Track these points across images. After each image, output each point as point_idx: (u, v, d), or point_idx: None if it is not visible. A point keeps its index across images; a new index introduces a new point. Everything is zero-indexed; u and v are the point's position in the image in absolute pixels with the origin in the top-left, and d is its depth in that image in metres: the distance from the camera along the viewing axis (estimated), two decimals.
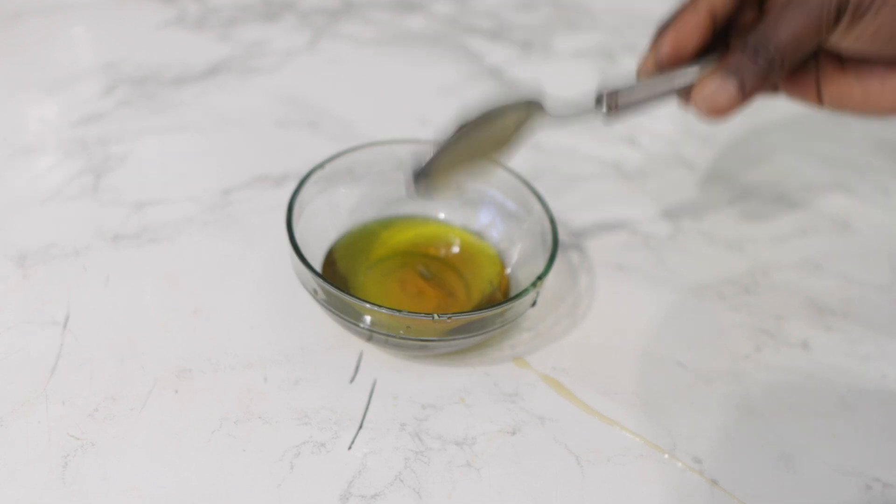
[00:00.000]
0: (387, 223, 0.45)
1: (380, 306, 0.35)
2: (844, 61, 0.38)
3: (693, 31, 0.37)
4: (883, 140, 0.58)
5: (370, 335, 0.37)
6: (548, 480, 0.35)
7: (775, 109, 0.50)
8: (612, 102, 0.37)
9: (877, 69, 0.36)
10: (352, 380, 0.38)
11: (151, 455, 0.34)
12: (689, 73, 0.38)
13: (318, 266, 0.41)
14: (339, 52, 0.63)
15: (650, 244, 0.48)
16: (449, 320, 0.35)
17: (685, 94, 0.38)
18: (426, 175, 0.35)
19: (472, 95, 0.59)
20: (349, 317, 0.36)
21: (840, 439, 0.38)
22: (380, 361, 0.39)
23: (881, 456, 0.37)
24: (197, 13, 0.65)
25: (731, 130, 0.57)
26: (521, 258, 0.43)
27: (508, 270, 0.43)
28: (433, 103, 0.58)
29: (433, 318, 0.35)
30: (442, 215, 0.45)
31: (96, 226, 0.45)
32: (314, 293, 0.37)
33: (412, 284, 0.42)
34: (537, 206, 0.41)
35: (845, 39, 0.34)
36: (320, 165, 0.42)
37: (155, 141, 0.52)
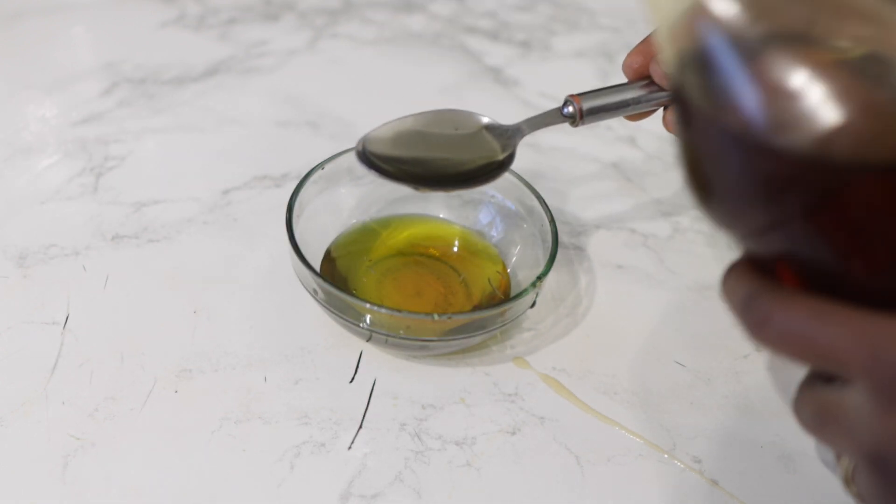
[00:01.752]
0: (386, 223, 0.45)
1: (380, 306, 0.35)
2: None
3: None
4: None
5: (370, 335, 0.37)
6: (548, 480, 0.35)
7: None
8: (577, 108, 0.38)
9: None
10: (352, 380, 0.38)
11: (151, 455, 0.34)
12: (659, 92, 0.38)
13: (317, 266, 0.41)
14: (339, 52, 0.63)
15: (650, 244, 0.47)
16: (449, 320, 0.35)
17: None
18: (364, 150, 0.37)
19: (472, 95, 0.59)
20: (349, 317, 0.36)
21: None
22: (380, 361, 0.39)
23: None
24: (197, 13, 0.65)
25: None
26: (521, 258, 0.43)
27: (508, 270, 0.43)
28: (433, 103, 0.58)
29: (433, 318, 0.35)
30: (442, 215, 0.45)
31: (96, 226, 0.45)
32: (314, 293, 0.37)
33: (412, 284, 0.42)
34: (537, 206, 0.41)
35: None
36: (320, 165, 0.42)
37: (155, 141, 0.52)
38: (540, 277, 0.37)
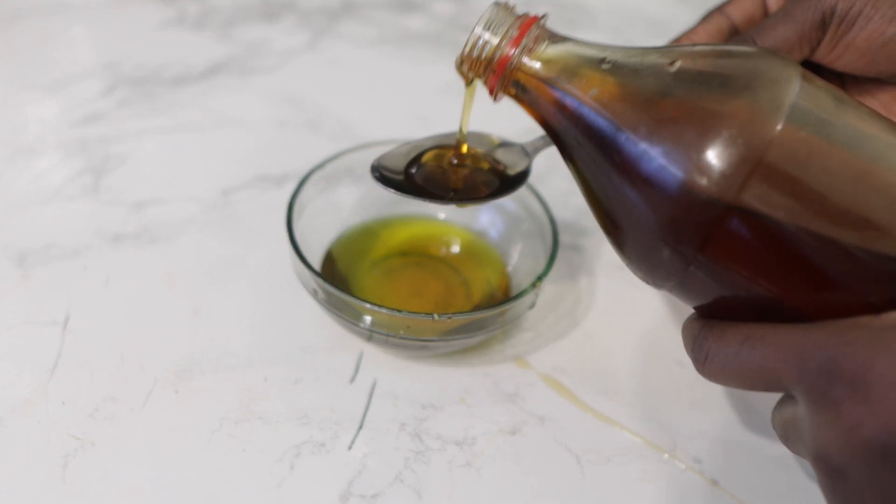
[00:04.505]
0: (387, 223, 0.45)
1: (380, 306, 0.35)
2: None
3: (705, 40, 0.37)
4: None
5: (370, 335, 0.37)
6: (548, 480, 0.35)
7: None
8: None
9: (882, 97, 0.36)
10: (352, 380, 0.38)
11: (151, 455, 0.34)
12: None
13: (318, 266, 0.41)
14: (339, 52, 0.63)
15: None
16: (449, 320, 0.35)
17: None
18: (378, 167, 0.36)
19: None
20: (349, 317, 0.36)
21: None
22: (380, 362, 0.39)
23: None
24: (197, 13, 0.65)
25: None
26: (521, 258, 0.43)
27: (509, 270, 0.43)
28: (433, 103, 0.58)
29: (433, 318, 0.35)
30: (442, 215, 0.45)
31: (96, 226, 0.45)
32: (314, 293, 0.37)
33: (412, 284, 0.42)
34: (537, 206, 0.41)
35: (834, 52, 0.35)
36: (320, 165, 0.42)
37: (155, 141, 0.52)
38: (540, 278, 0.37)
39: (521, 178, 0.37)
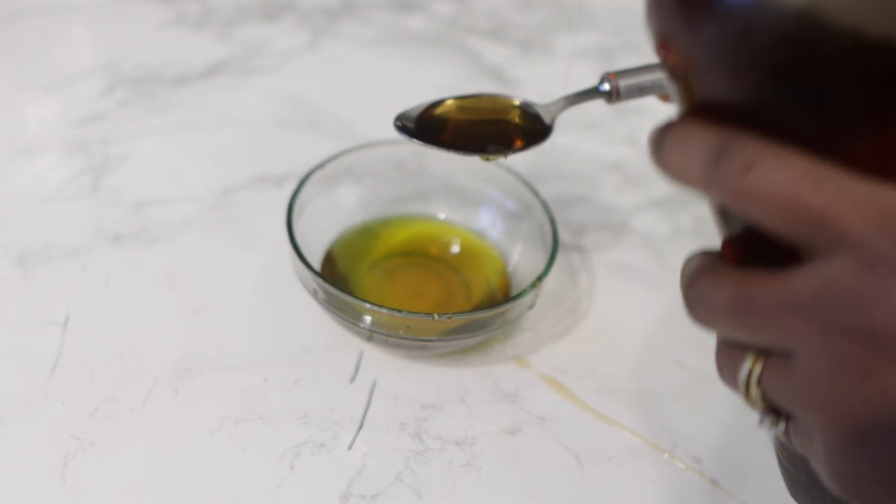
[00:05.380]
0: (387, 223, 0.45)
1: (380, 306, 0.35)
2: None
3: None
4: None
5: (370, 335, 0.37)
6: (548, 480, 0.35)
7: None
8: (614, 85, 0.36)
9: None
10: (352, 380, 0.38)
11: (151, 455, 0.34)
12: None
13: (318, 266, 0.41)
14: (339, 52, 0.63)
15: (650, 244, 0.47)
16: (449, 320, 0.35)
17: None
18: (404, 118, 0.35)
19: None
20: (349, 317, 0.36)
21: None
22: (380, 361, 0.39)
23: None
24: (197, 13, 0.65)
25: None
26: (521, 258, 0.43)
27: (509, 270, 0.43)
28: None
29: (433, 318, 0.35)
30: (442, 215, 0.45)
31: (96, 226, 0.45)
32: (314, 293, 0.37)
33: (412, 284, 0.42)
34: (537, 206, 0.41)
35: None
36: (320, 165, 0.42)
37: (155, 141, 0.52)
38: (540, 278, 0.37)
39: (544, 133, 0.36)
